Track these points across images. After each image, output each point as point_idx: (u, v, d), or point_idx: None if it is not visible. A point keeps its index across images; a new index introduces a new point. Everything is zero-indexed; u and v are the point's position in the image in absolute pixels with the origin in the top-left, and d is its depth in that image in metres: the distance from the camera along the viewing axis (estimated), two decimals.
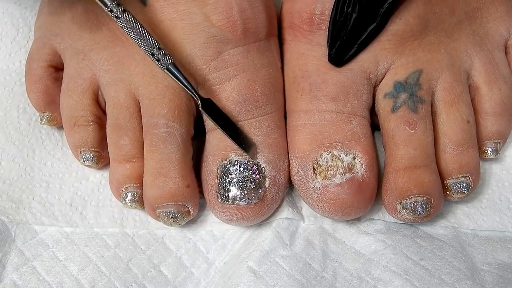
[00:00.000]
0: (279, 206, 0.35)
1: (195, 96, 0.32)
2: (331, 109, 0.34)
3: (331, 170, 0.33)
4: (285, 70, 0.36)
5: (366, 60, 0.34)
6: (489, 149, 0.36)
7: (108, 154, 0.35)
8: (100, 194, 0.36)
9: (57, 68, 0.37)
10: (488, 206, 0.36)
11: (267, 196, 0.34)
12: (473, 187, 0.34)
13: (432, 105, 0.34)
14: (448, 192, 0.34)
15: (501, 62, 0.36)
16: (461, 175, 0.34)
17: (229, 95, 0.34)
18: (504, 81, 0.36)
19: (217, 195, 0.34)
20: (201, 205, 0.36)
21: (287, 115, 0.36)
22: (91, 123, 0.35)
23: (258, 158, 0.34)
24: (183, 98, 0.34)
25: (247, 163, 0.33)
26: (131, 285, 0.33)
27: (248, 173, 0.33)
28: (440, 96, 0.34)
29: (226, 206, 0.33)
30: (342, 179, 0.33)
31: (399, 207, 0.33)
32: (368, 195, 0.33)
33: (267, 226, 0.35)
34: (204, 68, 0.34)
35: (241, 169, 0.33)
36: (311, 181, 0.33)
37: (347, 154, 0.33)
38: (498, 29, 0.36)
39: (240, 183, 0.33)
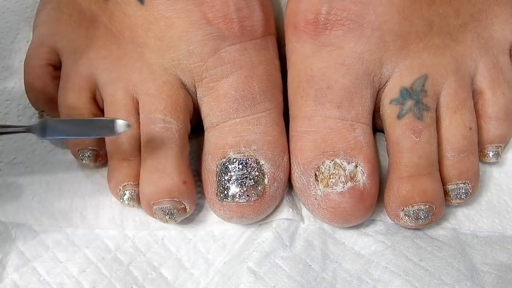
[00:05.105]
0: (279, 206, 0.35)
1: (25, 132, 0.30)
2: (336, 116, 0.34)
3: (333, 178, 0.33)
4: (289, 73, 0.36)
5: (371, 62, 0.34)
6: (491, 153, 0.36)
7: (106, 152, 0.35)
8: (100, 195, 0.36)
9: (56, 67, 0.37)
10: (488, 208, 0.36)
11: (266, 193, 0.34)
12: (471, 193, 0.34)
13: (436, 111, 0.34)
14: (447, 197, 0.34)
15: (505, 66, 0.36)
16: (460, 182, 0.34)
17: (226, 91, 0.34)
18: (507, 85, 0.36)
19: (217, 193, 0.34)
20: (201, 205, 0.36)
21: (290, 119, 0.36)
22: None
23: (257, 155, 0.34)
24: (181, 94, 0.34)
25: (246, 160, 0.33)
26: (131, 287, 0.33)
27: (247, 171, 0.33)
28: (444, 102, 0.34)
29: (226, 204, 0.33)
30: (343, 187, 0.33)
31: (402, 214, 0.33)
32: (369, 204, 0.33)
33: (267, 227, 0.35)
34: (201, 65, 0.34)
35: (240, 166, 0.33)
36: (312, 188, 0.33)
37: (349, 163, 0.33)
38: (503, 31, 0.36)
39: (239, 181, 0.33)
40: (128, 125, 0.30)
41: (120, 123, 0.30)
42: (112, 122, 0.30)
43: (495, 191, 0.36)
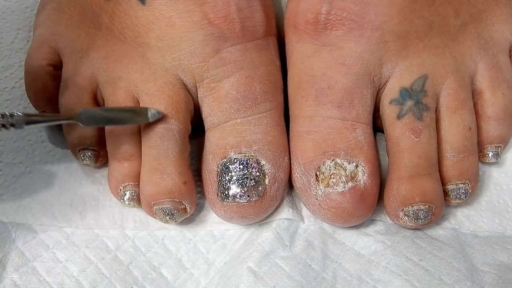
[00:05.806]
0: (279, 206, 0.35)
1: (69, 120, 0.32)
2: (336, 116, 0.34)
3: (333, 178, 0.33)
4: (289, 73, 0.36)
5: (372, 62, 0.34)
6: (490, 153, 0.36)
7: (107, 152, 0.35)
8: (100, 195, 0.36)
9: (56, 67, 0.37)
10: (487, 208, 0.36)
11: (267, 194, 0.34)
12: (471, 193, 0.34)
13: (435, 111, 0.34)
14: (446, 197, 0.34)
15: (505, 67, 0.36)
16: (460, 182, 0.34)
17: (227, 92, 0.34)
18: (507, 85, 0.36)
19: (217, 194, 0.34)
20: (201, 205, 0.36)
21: (290, 119, 0.36)
22: None
23: (257, 155, 0.34)
24: (182, 94, 0.34)
25: (247, 160, 0.33)
26: (132, 287, 0.33)
27: (247, 171, 0.33)
28: (444, 102, 0.34)
29: (226, 204, 0.33)
30: (344, 187, 0.33)
31: (401, 214, 0.33)
32: (370, 204, 0.34)
33: (267, 227, 0.35)
34: (202, 65, 0.34)
35: (241, 166, 0.33)
36: (313, 188, 0.33)
37: (350, 163, 0.33)
38: (503, 32, 0.36)
39: (240, 181, 0.33)
40: (159, 113, 0.33)
41: (153, 111, 0.33)
42: (145, 110, 0.33)
43: (495, 191, 0.36)
